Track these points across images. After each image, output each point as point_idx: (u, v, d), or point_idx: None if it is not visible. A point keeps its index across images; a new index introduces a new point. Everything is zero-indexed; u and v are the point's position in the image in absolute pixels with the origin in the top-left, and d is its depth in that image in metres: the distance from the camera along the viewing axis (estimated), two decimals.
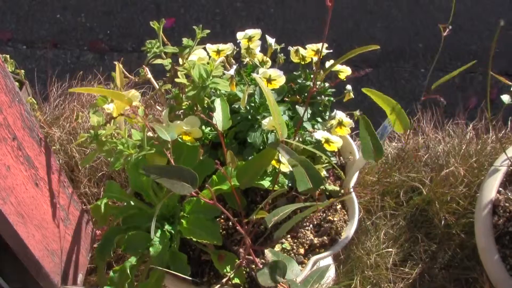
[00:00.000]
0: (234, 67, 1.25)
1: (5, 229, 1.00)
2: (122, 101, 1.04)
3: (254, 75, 1.11)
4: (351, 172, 1.27)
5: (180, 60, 1.22)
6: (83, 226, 1.33)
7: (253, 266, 1.16)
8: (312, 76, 1.29)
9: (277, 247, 1.20)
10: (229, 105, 1.15)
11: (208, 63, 1.15)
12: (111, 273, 1.17)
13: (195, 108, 1.19)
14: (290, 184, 1.18)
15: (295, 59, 1.32)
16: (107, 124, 1.10)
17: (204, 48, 1.24)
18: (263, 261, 1.17)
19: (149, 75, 1.25)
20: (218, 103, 1.14)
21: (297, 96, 1.30)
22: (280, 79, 1.19)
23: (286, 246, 1.21)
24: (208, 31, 1.20)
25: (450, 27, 0.99)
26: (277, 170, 1.13)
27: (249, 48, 1.29)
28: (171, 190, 0.95)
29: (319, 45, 1.28)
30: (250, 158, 1.19)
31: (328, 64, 1.26)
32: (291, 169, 1.08)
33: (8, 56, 1.75)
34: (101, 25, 2.40)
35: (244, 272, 1.16)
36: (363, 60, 2.24)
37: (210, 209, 1.16)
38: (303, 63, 1.31)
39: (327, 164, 1.23)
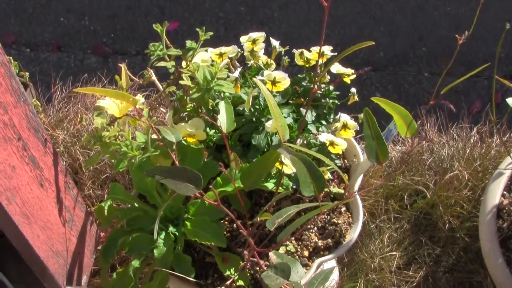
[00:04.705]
0: (239, 69, 1.25)
1: (10, 229, 1.00)
2: (127, 102, 1.04)
3: (255, 78, 1.11)
4: (355, 175, 1.27)
5: (184, 63, 1.22)
6: (88, 228, 1.33)
7: (258, 268, 1.16)
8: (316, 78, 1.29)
9: (282, 249, 1.20)
10: (233, 108, 1.15)
11: (212, 65, 1.15)
12: (114, 275, 1.17)
13: (200, 110, 1.19)
14: (294, 187, 1.18)
15: (299, 62, 1.32)
16: (111, 126, 1.10)
17: (207, 51, 1.25)
18: (268, 263, 1.17)
19: (154, 77, 1.25)
20: (222, 105, 1.14)
21: (302, 99, 1.30)
22: (284, 81, 1.19)
23: (291, 248, 1.20)
24: (212, 33, 1.20)
25: (466, 33, 0.99)
26: (281, 172, 1.13)
27: (253, 50, 1.29)
28: (175, 191, 0.95)
29: (324, 48, 1.28)
30: (254, 160, 1.19)
31: (332, 67, 1.26)
32: (294, 170, 1.08)
33: (11, 58, 1.76)
34: (105, 28, 2.40)
35: (248, 274, 1.16)
36: (366, 64, 2.24)
37: (215, 211, 1.16)
38: (307, 66, 1.31)
39: (331, 167, 1.23)
